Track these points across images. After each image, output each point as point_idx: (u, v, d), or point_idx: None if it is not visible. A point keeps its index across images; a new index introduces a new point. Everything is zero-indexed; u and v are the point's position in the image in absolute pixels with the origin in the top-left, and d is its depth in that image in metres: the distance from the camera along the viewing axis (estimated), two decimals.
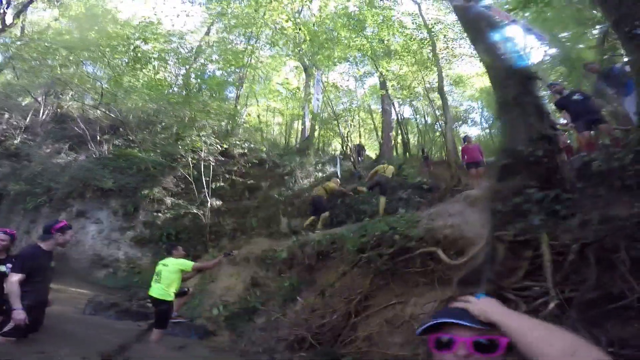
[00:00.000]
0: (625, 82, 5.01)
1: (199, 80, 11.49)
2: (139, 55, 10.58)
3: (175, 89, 11.57)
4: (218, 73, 12.80)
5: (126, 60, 10.99)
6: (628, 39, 4.74)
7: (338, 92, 13.73)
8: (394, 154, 13.45)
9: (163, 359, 4.10)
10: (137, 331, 4.87)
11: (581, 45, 9.74)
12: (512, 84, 4.13)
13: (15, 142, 10.84)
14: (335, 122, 11.22)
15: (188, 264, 4.84)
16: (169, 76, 12.17)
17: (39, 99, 12.21)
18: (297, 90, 13.60)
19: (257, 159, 10.94)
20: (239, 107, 12.93)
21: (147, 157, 9.98)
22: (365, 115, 16.35)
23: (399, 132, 14.49)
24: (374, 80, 14.78)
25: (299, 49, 11.89)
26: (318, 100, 10.60)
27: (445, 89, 13.06)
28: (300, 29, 11.49)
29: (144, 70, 10.97)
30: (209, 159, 9.83)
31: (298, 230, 7.94)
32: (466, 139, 8.70)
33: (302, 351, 3.96)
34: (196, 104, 9.94)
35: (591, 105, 5.22)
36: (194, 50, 12.42)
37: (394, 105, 14.34)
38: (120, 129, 11.55)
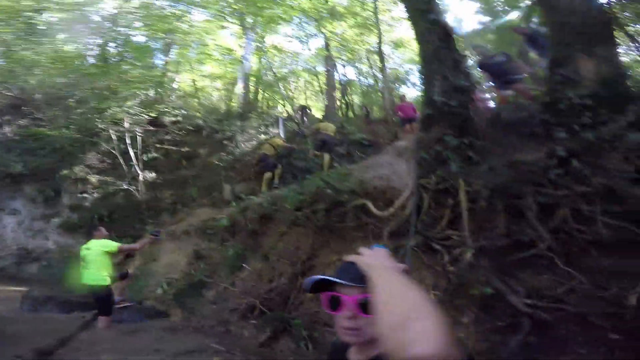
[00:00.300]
0: (545, 45, 5.30)
1: (118, 49, 10.08)
2: (35, 26, 8.90)
3: (92, 60, 10.05)
4: (143, 40, 11.47)
5: (21, 34, 9.11)
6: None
7: (280, 54, 13.12)
8: (339, 114, 13.66)
9: (114, 345, 3.97)
10: (81, 322, 4.64)
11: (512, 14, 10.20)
12: (432, 38, 4.31)
13: None
14: (278, 84, 10.78)
15: (112, 245, 4.54)
16: (82, 47, 10.52)
17: None
18: (233, 53, 12.74)
19: (193, 125, 10.18)
20: (169, 74, 11.72)
21: (61, 134, 8.79)
22: (311, 77, 16.04)
23: (343, 93, 14.71)
24: (320, 42, 14.50)
25: (235, 11, 10.87)
26: (248, 61, 10.00)
27: (386, 51, 13.21)
28: None
29: (43, 43, 9.27)
30: (135, 130, 8.95)
31: (243, 196, 7.85)
32: (402, 97, 9.24)
33: (253, 319, 4.05)
34: (115, 74, 8.79)
35: (512, 67, 5.51)
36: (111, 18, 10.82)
37: (337, 67, 14.31)
38: (23, 108, 9.85)
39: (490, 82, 5.83)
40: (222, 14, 11.60)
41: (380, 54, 11.41)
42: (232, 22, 12.15)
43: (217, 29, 12.49)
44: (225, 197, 8.40)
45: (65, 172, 8.87)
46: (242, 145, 9.58)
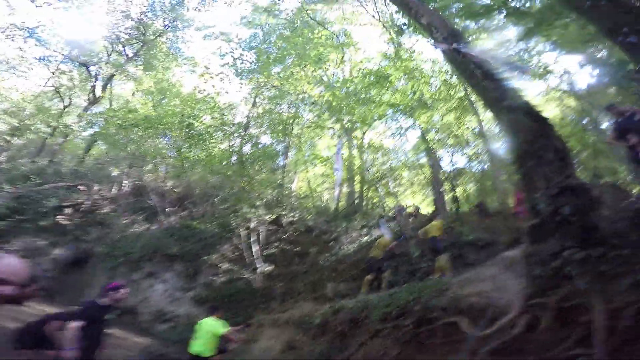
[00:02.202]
0: None
1: (253, 149, 12.68)
2: (192, 132, 12.15)
3: (234, 159, 12.88)
4: (268, 142, 13.94)
5: (184, 134, 12.41)
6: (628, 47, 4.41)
7: (379, 151, 13.73)
8: (449, 208, 12.37)
9: None
10: None
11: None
12: (524, 130, 3.66)
13: (103, 211, 12.96)
14: (378, 183, 11.29)
15: (218, 329, 5.21)
16: (229, 147, 13.35)
17: (124, 170, 14.61)
18: (329, 158, 14.17)
19: (305, 226, 11.41)
20: (288, 175, 13.72)
21: (206, 228, 11.10)
22: (415, 171, 15.53)
23: (452, 184, 13.36)
24: (417, 133, 14.15)
25: (332, 113, 12.52)
26: (338, 170, 10.94)
27: (490, 131, 12.30)
28: (324, 95, 12.29)
29: (197, 146, 12.32)
30: (259, 229, 10.60)
31: (345, 294, 7.89)
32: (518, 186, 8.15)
33: None
34: (248, 176, 11.01)
35: None
36: (243, 123, 13.85)
37: (440, 157, 13.51)
38: (185, 202, 13.20)
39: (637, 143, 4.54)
40: (322, 114, 12.97)
41: (482, 136, 10.61)
42: (332, 124, 13.35)
43: (323, 131, 13.74)
44: (328, 294, 8.56)
45: (204, 257, 10.82)
46: (346, 246, 9.98)
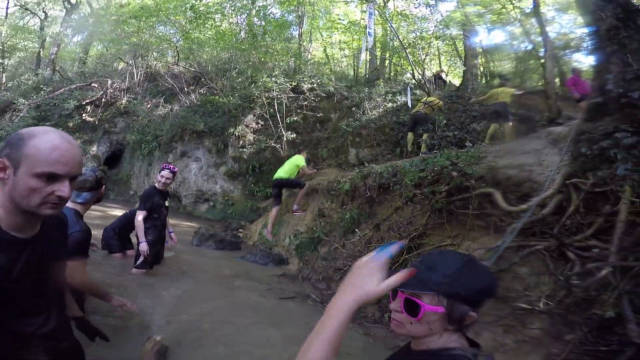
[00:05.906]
0: None
1: (262, 22, 11.92)
2: (195, 13, 11.42)
3: (243, 35, 12.01)
4: (278, 14, 13.18)
5: (189, 17, 11.84)
6: None
7: (406, 20, 12.05)
8: (480, 82, 11.82)
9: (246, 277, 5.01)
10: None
11: None
12: (607, 14, 3.36)
13: (123, 101, 13.06)
14: (405, 51, 10.06)
15: (300, 162, 6.61)
16: (233, 26, 12.87)
17: (130, 62, 14.28)
18: (356, 22, 12.55)
19: (326, 92, 10.88)
20: (303, 44, 12.79)
21: (228, 100, 10.78)
22: (446, 43, 14.05)
23: (486, 59, 12.57)
24: (451, 5, 12.70)
25: None
26: (370, 35, 9.48)
27: (550, 14, 10.87)
28: None
29: (206, 24, 11.74)
30: (281, 97, 10.22)
31: (368, 160, 8.13)
32: (574, 70, 7.58)
33: None
34: (262, 48, 10.44)
35: None
36: None
37: (476, 32, 12.05)
38: (202, 79, 12.59)
39: None
40: None
41: (537, 15, 9.16)
42: None
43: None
44: (350, 160, 8.84)
45: (231, 130, 10.96)
46: (369, 112, 9.67)
